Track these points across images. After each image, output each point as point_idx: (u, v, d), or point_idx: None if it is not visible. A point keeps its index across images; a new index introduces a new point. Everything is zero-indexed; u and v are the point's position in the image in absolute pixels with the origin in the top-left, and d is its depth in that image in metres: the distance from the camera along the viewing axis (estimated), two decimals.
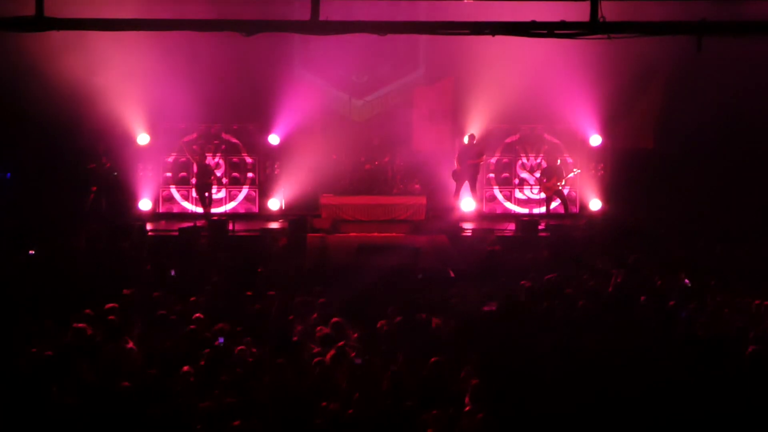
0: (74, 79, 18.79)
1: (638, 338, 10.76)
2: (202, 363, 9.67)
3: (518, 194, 21.55)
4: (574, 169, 20.96)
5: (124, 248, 16.29)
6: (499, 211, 21.39)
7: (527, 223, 18.98)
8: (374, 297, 12.55)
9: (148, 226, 18.83)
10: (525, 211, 21.29)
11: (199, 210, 20.55)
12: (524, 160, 21.52)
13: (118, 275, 13.91)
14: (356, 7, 12.29)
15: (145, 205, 20.84)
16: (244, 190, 21.27)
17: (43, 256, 15.53)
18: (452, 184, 20.65)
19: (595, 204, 21.25)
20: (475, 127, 20.80)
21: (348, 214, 20.27)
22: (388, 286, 13.21)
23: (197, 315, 11.23)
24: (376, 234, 19.18)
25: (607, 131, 21.27)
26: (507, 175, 21.52)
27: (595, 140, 21.29)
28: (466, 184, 20.48)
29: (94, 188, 20.04)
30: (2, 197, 19.99)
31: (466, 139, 20.43)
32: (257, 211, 21.14)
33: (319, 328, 10.70)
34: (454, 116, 21.46)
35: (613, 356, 10.00)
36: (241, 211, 21.12)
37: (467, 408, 8.68)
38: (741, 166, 20.25)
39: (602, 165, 21.53)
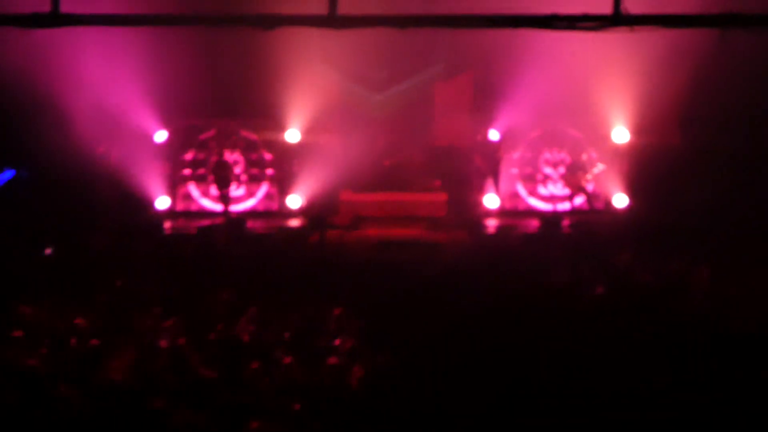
0: (88, 74, 18.81)
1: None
2: None
3: (541, 190, 21.38)
4: (598, 164, 20.81)
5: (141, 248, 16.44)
6: (521, 207, 21.19)
7: (551, 219, 19.04)
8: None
9: (166, 225, 18.97)
10: (548, 207, 21.11)
11: (218, 208, 20.47)
12: (547, 155, 21.34)
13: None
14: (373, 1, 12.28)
15: (162, 203, 20.71)
16: (264, 187, 21.20)
17: (60, 256, 15.81)
18: (474, 180, 20.71)
19: (620, 200, 21.03)
20: (496, 123, 20.74)
21: (368, 211, 20.23)
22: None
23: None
24: (395, 231, 19.14)
25: (631, 125, 21.01)
26: (530, 170, 21.33)
27: (620, 135, 21.12)
28: (488, 180, 20.56)
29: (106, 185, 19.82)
30: (15, 195, 20.03)
31: (489, 135, 20.41)
32: (277, 208, 21.07)
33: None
34: (474, 111, 21.34)
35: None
36: (261, 209, 21.04)
37: None
38: None
39: (627, 160, 21.17)
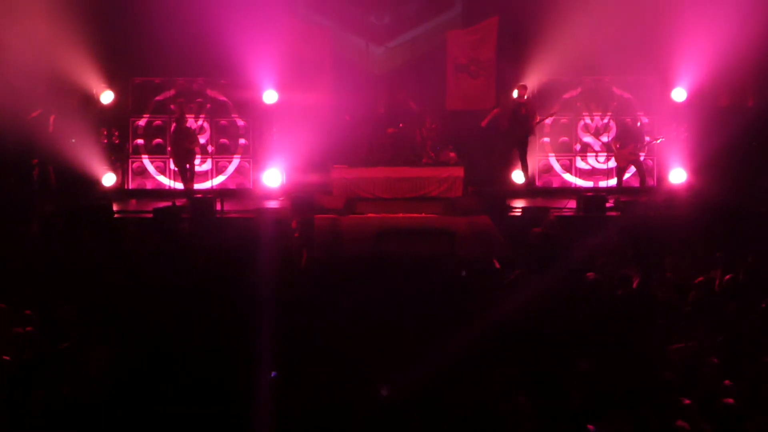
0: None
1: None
2: None
3: (580, 163, 21.14)
4: (659, 138, 20.37)
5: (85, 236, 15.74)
6: (556, 184, 21.07)
7: (591, 199, 18.68)
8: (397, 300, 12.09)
9: (115, 207, 18.41)
10: (589, 184, 20.86)
11: (179, 186, 20.15)
12: (588, 120, 21.09)
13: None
14: None
15: (109, 180, 20.32)
16: (235, 161, 20.93)
17: None
18: (496, 151, 20.46)
19: (677, 176, 20.69)
20: (524, 81, 20.42)
21: (366, 191, 20.08)
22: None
23: None
24: (401, 215, 18.80)
25: (693, 84, 20.75)
26: (566, 139, 21.07)
27: (679, 95, 20.78)
28: (514, 152, 20.23)
29: (35, 161, 19.30)
30: None
31: (515, 94, 19.97)
32: (251, 187, 20.79)
33: None
34: (497, 67, 20.98)
35: None
36: (232, 187, 20.80)
37: None
38: None
39: (686, 127, 20.96)
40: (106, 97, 20.37)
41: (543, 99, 20.68)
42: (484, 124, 20.15)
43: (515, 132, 19.98)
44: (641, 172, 20.23)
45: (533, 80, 20.59)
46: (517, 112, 19.92)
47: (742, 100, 21.24)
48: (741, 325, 11.36)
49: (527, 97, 20.02)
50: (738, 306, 12.06)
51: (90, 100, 20.35)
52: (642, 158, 20.43)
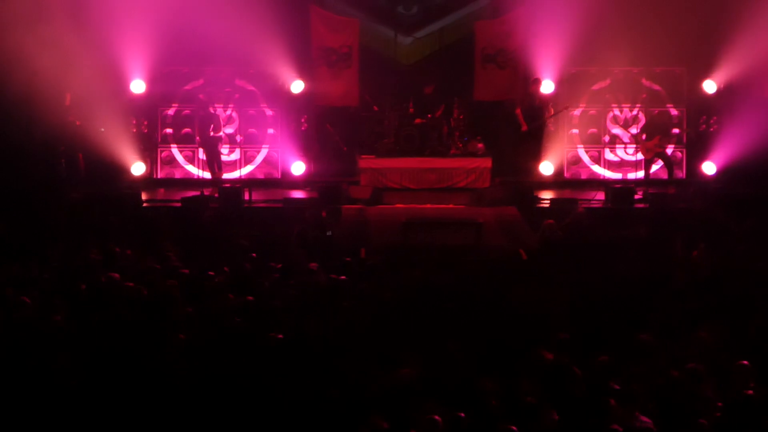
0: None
1: None
2: None
3: (609, 155, 21.10)
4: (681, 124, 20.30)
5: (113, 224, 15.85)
6: (584, 176, 21.04)
7: (620, 191, 18.66)
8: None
9: (143, 196, 18.56)
10: (617, 176, 20.85)
11: (207, 175, 20.26)
12: (617, 111, 21.04)
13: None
14: None
15: (138, 169, 20.41)
16: (263, 151, 20.94)
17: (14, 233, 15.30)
18: (524, 142, 20.29)
19: (707, 168, 20.64)
20: (552, 72, 20.42)
21: (393, 181, 20.07)
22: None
23: None
24: (428, 206, 18.85)
25: (726, 76, 20.64)
26: (594, 131, 21.03)
27: (709, 87, 20.69)
28: (542, 143, 20.31)
29: (63, 149, 19.58)
30: None
31: (543, 86, 20.18)
32: (279, 177, 20.85)
33: None
34: (526, 57, 20.80)
35: None
36: (260, 176, 20.84)
37: None
38: None
39: (716, 118, 20.89)
40: (137, 86, 20.42)
41: (571, 90, 20.69)
42: (525, 128, 20.04)
43: (529, 125, 19.95)
44: (668, 164, 20.18)
45: (561, 71, 20.54)
46: (531, 105, 19.96)
47: None
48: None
49: (542, 90, 20.03)
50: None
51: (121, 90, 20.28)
52: (669, 151, 20.38)
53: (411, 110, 20.85)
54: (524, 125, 20.05)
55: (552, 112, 20.10)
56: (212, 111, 20.36)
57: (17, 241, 14.57)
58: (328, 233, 15.77)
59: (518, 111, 20.10)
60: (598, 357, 9.64)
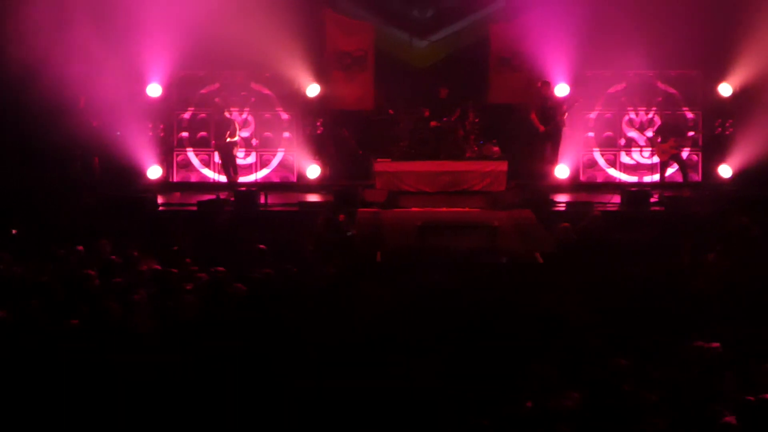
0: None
1: None
2: None
3: (625, 158, 21.06)
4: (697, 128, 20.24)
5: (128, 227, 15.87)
6: (600, 179, 20.98)
7: (636, 194, 18.60)
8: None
9: (159, 200, 18.60)
10: (633, 179, 20.83)
11: (223, 179, 20.30)
12: (632, 115, 21.01)
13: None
14: None
15: (154, 172, 20.44)
16: (279, 155, 20.97)
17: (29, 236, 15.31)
18: (540, 146, 20.32)
19: (723, 171, 20.59)
20: (567, 75, 20.43)
21: (408, 184, 20.02)
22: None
23: None
24: (443, 209, 18.77)
25: (739, 79, 20.52)
26: (610, 134, 21.01)
27: (725, 90, 20.61)
28: (558, 146, 20.30)
29: (79, 152, 19.64)
30: None
31: (558, 89, 20.19)
32: (295, 180, 20.86)
33: None
34: (541, 60, 20.73)
35: None
36: (276, 180, 20.86)
37: None
38: None
39: (732, 121, 20.78)
40: (153, 90, 20.44)
41: (587, 93, 20.65)
42: (542, 129, 20.03)
43: (559, 127, 19.95)
44: (683, 167, 20.17)
45: (576, 74, 20.55)
46: (544, 108, 19.93)
47: None
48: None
49: (551, 93, 20.02)
50: None
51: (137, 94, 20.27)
52: (685, 153, 20.37)
53: (426, 114, 20.70)
54: (541, 127, 19.92)
55: (565, 114, 19.99)
56: (228, 116, 20.19)
57: (30, 244, 14.59)
58: (349, 233, 15.72)
59: (533, 115, 20.03)
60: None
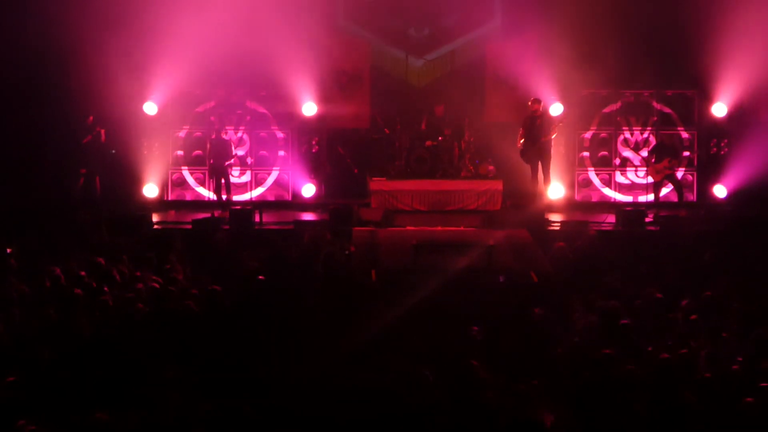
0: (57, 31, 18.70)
1: None
2: None
3: (620, 178, 21.07)
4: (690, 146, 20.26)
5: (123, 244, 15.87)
6: (595, 198, 21.01)
7: (630, 213, 18.59)
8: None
9: (154, 218, 18.66)
10: (628, 199, 20.84)
11: (218, 197, 20.12)
12: (627, 134, 21.02)
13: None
14: None
15: (150, 191, 20.52)
16: (274, 173, 20.95)
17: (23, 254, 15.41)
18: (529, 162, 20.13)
19: (718, 191, 20.63)
20: (562, 94, 20.44)
21: (404, 203, 20.05)
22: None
23: None
24: (439, 228, 18.66)
25: (733, 99, 20.55)
26: (605, 153, 21.01)
27: (719, 110, 20.59)
28: (552, 165, 20.17)
29: (84, 170, 19.70)
30: None
31: (553, 108, 20.12)
32: (290, 199, 20.85)
33: None
34: (537, 80, 20.76)
35: None
36: (271, 198, 20.83)
37: None
38: None
39: (727, 141, 20.85)
40: (149, 108, 20.40)
41: (582, 112, 20.76)
42: (519, 146, 19.87)
43: (534, 145, 19.68)
44: (678, 187, 20.10)
45: (572, 93, 20.59)
46: (533, 126, 19.70)
47: None
48: None
49: (541, 111, 19.78)
50: None
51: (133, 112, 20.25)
52: (679, 173, 20.38)
53: (423, 126, 20.74)
54: (518, 143, 19.79)
55: (554, 132, 19.86)
56: (224, 137, 20.15)
57: (26, 262, 14.55)
58: (347, 252, 15.76)
59: (521, 130, 19.88)
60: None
